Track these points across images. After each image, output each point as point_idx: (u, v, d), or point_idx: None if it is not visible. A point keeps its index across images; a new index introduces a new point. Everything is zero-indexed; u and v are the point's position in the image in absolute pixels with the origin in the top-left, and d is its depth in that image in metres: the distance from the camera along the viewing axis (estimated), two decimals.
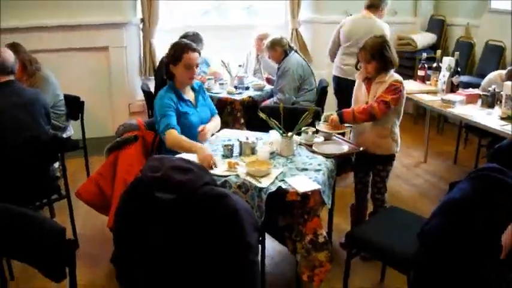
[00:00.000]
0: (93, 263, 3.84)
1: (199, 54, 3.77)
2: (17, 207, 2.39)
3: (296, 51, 5.45)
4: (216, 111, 4.11)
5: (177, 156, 3.08)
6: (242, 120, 5.07)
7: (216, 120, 4.02)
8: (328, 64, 7.26)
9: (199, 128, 3.66)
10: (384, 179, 3.84)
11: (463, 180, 2.67)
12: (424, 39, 7.28)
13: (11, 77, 3.59)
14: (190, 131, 3.63)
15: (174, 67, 3.67)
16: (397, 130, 3.76)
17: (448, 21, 7.49)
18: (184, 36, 5.42)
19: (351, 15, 5.77)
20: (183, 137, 3.51)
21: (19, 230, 2.31)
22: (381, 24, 5.16)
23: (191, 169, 2.54)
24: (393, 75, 3.63)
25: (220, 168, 3.18)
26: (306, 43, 7.36)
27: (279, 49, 5.27)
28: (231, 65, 5.68)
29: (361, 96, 3.80)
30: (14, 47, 4.43)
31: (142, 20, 6.59)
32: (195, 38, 5.39)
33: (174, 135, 3.50)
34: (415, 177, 5.45)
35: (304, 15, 7.36)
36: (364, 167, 3.91)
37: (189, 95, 3.84)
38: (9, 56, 3.61)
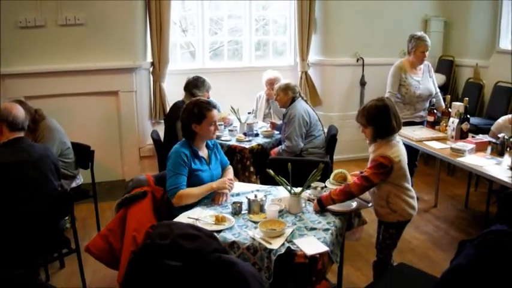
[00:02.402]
0: None
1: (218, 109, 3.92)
2: (31, 279, 2.38)
3: (305, 100, 5.46)
4: (228, 162, 4.16)
5: (185, 218, 3.10)
6: (252, 169, 5.08)
7: (229, 171, 4.07)
8: (338, 107, 7.33)
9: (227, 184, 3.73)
10: (386, 241, 3.64)
11: (470, 245, 2.63)
12: None
13: (21, 134, 3.62)
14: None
15: (198, 126, 3.71)
16: (397, 200, 3.49)
17: (457, 61, 7.52)
18: (187, 81, 5.50)
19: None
20: (190, 189, 3.60)
21: None
22: None
23: (199, 236, 2.54)
24: (385, 147, 3.42)
25: (207, 220, 3.26)
26: (315, 85, 7.39)
27: (290, 93, 5.27)
28: (240, 110, 5.70)
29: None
30: (21, 103, 4.48)
31: (152, 64, 6.66)
32: (198, 82, 5.50)
33: (181, 195, 3.55)
34: (425, 223, 5.39)
35: (313, 58, 7.40)
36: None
37: (203, 152, 3.87)
38: (20, 112, 3.64)
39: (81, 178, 5.06)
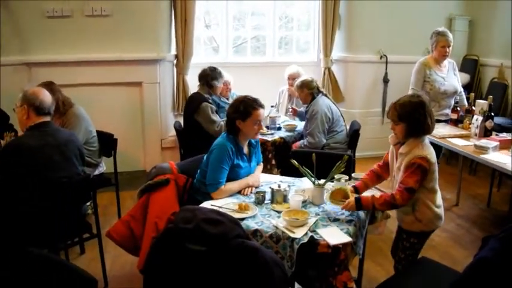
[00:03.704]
0: None
1: (264, 108, 3.87)
2: (54, 256, 2.41)
3: (326, 94, 5.45)
4: (261, 160, 4.18)
5: (210, 207, 3.11)
6: (273, 161, 5.08)
7: (259, 169, 4.08)
8: (360, 104, 7.30)
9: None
10: (406, 251, 3.44)
11: (494, 239, 2.61)
12: None
13: (47, 118, 3.65)
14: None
15: (242, 123, 3.70)
16: (424, 209, 3.30)
17: (482, 61, 7.46)
18: (203, 72, 5.51)
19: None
20: (230, 184, 3.63)
21: (52, 279, 2.32)
22: None
23: (223, 222, 2.54)
24: (419, 148, 3.22)
25: (231, 207, 3.28)
26: (338, 82, 7.36)
27: (306, 90, 5.28)
28: (264, 103, 5.69)
29: (393, 163, 3.48)
30: (49, 85, 4.52)
31: (176, 56, 6.68)
32: (215, 73, 5.50)
33: (222, 191, 3.58)
34: (447, 221, 5.33)
35: (336, 54, 7.38)
36: None
37: (246, 149, 3.89)
38: (47, 97, 3.67)
39: (104, 166, 5.10)
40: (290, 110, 6.05)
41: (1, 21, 5.94)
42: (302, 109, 5.67)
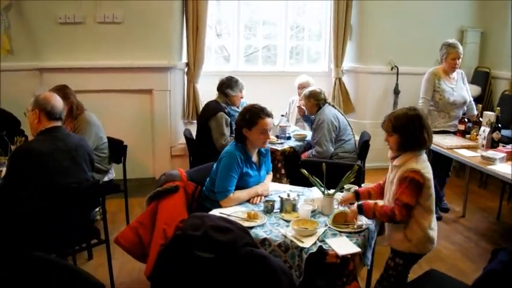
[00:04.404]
0: None
1: (272, 118, 3.83)
2: (62, 260, 2.40)
3: (333, 105, 5.46)
4: (271, 169, 4.17)
5: (218, 215, 3.10)
6: (283, 171, 5.07)
7: (269, 178, 4.07)
8: (371, 115, 7.28)
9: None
10: (388, 271, 3.28)
11: (504, 252, 2.58)
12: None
13: (58, 123, 3.66)
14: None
15: (248, 131, 3.69)
16: (416, 229, 3.13)
17: (493, 73, 7.42)
18: (220, 81, 5.50)
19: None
20: (239, 193, 3.61)
21: (60, 283, 2.32)
22: None
23: (232, 229, 2.54)
24: (413, 161, 3.11)
25: (240, 216, 3.26)
26: (348, 92, 7.35)
27: (312, 101, 5.30)
28: (273, 113, 5.69)
29: (389, 176, 3.33)
30: (64, 89, 4.55)
31: (187, 64, 6.70)
32: (231, 82, 5.48)
33: (230, 199, 3.57)
34: (455, 233, 5.31)
35: (347, 65, 7.37)
36: None
37: (255, 157, 3.88)
38: (59, 102, 3.68)
39: (113, 173, 5.11)
40: (298, 110, 6.00)
41: (14, 27, 5.99)
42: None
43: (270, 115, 3.76)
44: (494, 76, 7.42)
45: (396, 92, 7.38)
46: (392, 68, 7.32)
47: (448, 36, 6.80)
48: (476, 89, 7.28)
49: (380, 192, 3.48)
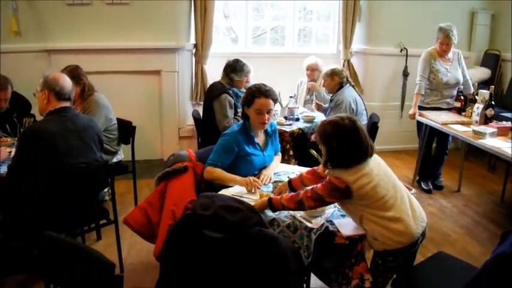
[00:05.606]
0: None
1: (275, 102, 3.76)
2: (71, 240, 2.41)
3: (353, 86, 5.44)
4: (279, 150, 4.15)
5: (228, 194, 3.10)
6: (291, 152, 5.06)
7: (277, 159, 4.05)
8: (379, 97, 7.24)
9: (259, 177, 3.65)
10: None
11: None
12: (477, 74, 7.12)
13: (68, 104, 3.65)
14: (251, 170, 3.71)
15: (248, 109, 3.71)
16: (372, 226, 2.83)
17: (503, 56, 7.36)
18: (227, 63, 5.48)
19: None
20: (223, 172, 3.59)
21: (70, 262, 2.33)
22: None
23: (241, 209, 2.55)
24: (342, 171, 2.79)
25: (252, 197, 3.25)
26: (357, 74, 7.31)
27: (336, 79, 5.31)
28: (282, 94, 5.68)
29: None
30: (76, 69, 4.56)
31: (195, 45, 6.67)
32: (237, 65, 5.44)
33: (210, 171, 3.59)
34: (463, 217, 5.30)
35: (356, 46, 7.33)
36: None
37: (260, 138, 3.87)
38: (68, 82, 3.67)
39: (122, 154, 5.12)
40: (314, 105, 6.01)
41: (21, 9, 5.97)
42: (327, 106, 5.64)
43: (267, 95, 3.65)
44: (504, 59, 7.36)
45: (405, 74, 7.33)
46: (401, 50, 7.27)
47: (458, 18, 6.78)
48: (486, 72, 7.24)
49: (317, 177, 3.28)
